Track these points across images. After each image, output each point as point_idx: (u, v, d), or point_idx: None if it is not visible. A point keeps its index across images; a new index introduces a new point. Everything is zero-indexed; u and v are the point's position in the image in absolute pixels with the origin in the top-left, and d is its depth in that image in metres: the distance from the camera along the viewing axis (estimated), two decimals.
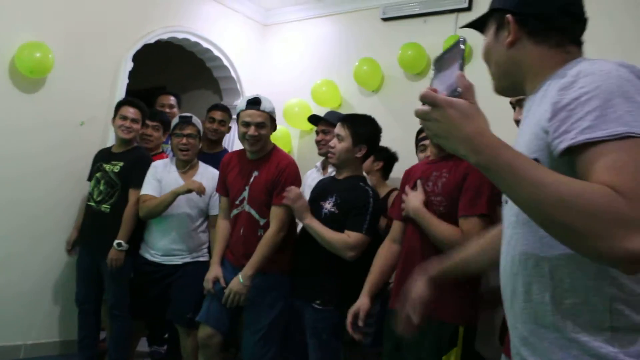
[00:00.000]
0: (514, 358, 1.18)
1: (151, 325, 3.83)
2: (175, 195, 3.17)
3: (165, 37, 4.39)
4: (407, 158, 2.96)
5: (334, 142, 2.70)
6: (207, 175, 3.37)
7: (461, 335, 2.12)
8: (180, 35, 4.48)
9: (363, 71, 4.25)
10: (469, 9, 3.89)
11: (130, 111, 3.47)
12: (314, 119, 3.52)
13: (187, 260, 3.32)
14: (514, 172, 0.89)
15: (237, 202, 2.93)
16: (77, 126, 3.81)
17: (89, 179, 3.60)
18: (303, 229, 2.82)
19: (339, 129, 2.70)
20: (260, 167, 2.89)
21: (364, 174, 2.92)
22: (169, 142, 3.53)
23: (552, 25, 1.15)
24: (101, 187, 3.45)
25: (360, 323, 2.31)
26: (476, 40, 3.73)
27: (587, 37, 1.20)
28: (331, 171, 3.33)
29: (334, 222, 2.61)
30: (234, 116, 3.30)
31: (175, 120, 3.36)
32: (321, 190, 2.80)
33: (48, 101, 3.66)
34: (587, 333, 0.99)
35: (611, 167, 0.88)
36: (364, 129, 2.69)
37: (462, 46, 0.98)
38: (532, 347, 1.08)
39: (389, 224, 2.86)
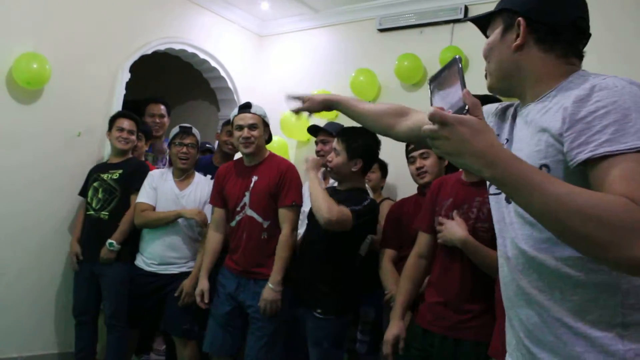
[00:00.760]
0: (513, 354, 1.19)
1: (142, 335, 3.80)
2: (178, 216, 3.25)
3: (162, 48, 4.40)
4: (402, 168, 2.97)
5: (331, 156, 2.73)
6: (202, 184, 3.43)
7: None
8: (177, 46, 4.49)
9: (359, 82, 4.27)
10: (464, 19, 3.91)
11: (125, 123, 3.57)
12: (313, 130, 3.53)
13: (184, 269, 3.31)
14: (529, 184, 0.91)
15: (237, 209, 2.95)
16: (74, 137, 3.80)
17: (81, 194, 3.64)
18: (304, 237, 2.83)
19: (335, 143, 2.74)
20: (259, 172, 2.94)
21: (367, 187, 2.94)
22: (151, 151, 3.63)
23: (561, 37, 1.16)
24: (99, 195, 3.48)
25: (401, 352, 2.24)
26: (470, 52, 3.79)
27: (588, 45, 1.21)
28: (332, 182, 3.34)
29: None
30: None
31: (175, 130, 3.40)
32: None
33: (45, 112, 3.65)
34: (597, 329, 1.01)
35: (629, 178, 0.90)
36: (358, 143, 2.69)
37: (459, 65, 0.99)
38: (537, 340, 1.10)
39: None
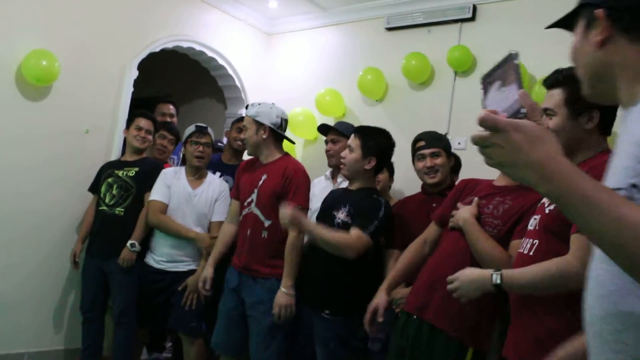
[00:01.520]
0: None
1: (151, 332, 3.82)
2: (194, 236, 3.30)
3: (170, 45, 4.41)
4: (411, 167, 2.97)
5: (345, 152, 2.74)
6: (214, 184, 3.47)
7: (469, 357, 2.07)
8: (185, 44, 4.50)
9: (367, 80, 4.26)
10: (472, 19, 3.92)
11: (143, 122, 3.60)
12: (323, 129, 3.54)
13: (192, 267, 3.34)
14: (592, 205, 0.78)
15: (245, 204, 2.99)
16: (81, 134, 3.82)
17: (91, 189, 3.66)
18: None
19: (351, 140, 2.75)
20: (269, 171, 2.95)
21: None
22: (179, 152, 3.65)
23: None
24: (114, 192, 3.51)
25: (380, 319, 2.31)
26: (478, 51, 3.77)
27: None
28: (340, 181, 3.35)
29: (347, 231, 2.62)
30: None
31: (191, 129, 3.44)
32: (334, 200, 2.82)
33: (53, 109, 3.67)
34: None
35: None
36: (373, 141, 2.71)
37: (516, 61, 0.89)
38: None
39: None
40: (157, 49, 4.31)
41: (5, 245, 3.48)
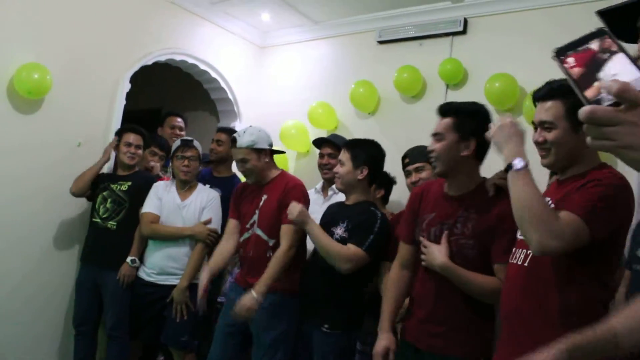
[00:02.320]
0: None
1: (145, 346, 3.79)
2: (190, 233, 3.33)
3: (162, 58, 4.41)
4: (404, 181, 2.99)
5: (337, 167, 2.77)
6: (202, 193, 3.49)
7: None
8: (177, 57, 4.51)
9: (359, 93, 4.28)
10: (464, 32, 3.95)
11: (132, 138, 3.61)
12: (318, 142, 3.58)
13: None
14: None
15: (247, 227, 2.98)
16: (74, 147, 3.81)
17: (89, 199, 3.66)
18: (313, 252, 2.82)
19: (341, 155, 2.78)
20: (269, 191, 2.95)
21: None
22: (168, 165, 3.67)
23: None
24: (108, 205, 3.52)
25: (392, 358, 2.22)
26: (470, 64, 3.81)
27: None
28: (331, 194, 3.36)
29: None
30: None
31: (177, 143, 3.46)
32: (331, 217, 2.82)
33: (46, 122, 3.65)
34: None
35: None
36: (361, 150, 2.74)
37: (607, 30, 0.74)
38: None
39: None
40: (150, 62, 4.31)
41: None
